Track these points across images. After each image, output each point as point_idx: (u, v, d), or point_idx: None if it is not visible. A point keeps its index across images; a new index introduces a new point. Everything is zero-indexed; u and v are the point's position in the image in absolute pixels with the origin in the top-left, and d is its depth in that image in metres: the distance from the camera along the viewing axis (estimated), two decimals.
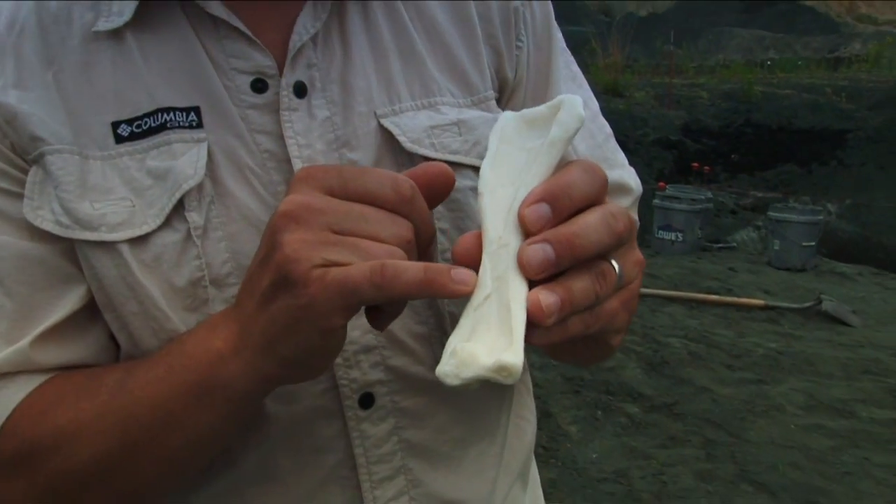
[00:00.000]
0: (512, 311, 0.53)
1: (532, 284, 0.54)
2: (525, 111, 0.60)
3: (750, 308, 5.66)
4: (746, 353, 4.82)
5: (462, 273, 0.53)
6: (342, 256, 0.53)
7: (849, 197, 9.06)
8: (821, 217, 7.01)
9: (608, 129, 0.86)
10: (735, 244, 7.87)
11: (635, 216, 0.85)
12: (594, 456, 3.57)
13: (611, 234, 0.55)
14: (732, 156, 10.57)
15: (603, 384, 4.25)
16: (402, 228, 0.55)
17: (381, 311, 0.59)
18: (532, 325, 0.53)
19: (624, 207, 0.56)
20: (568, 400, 4.09)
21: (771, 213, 6.99)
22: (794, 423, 3.89)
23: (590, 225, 0.54)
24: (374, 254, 0.53)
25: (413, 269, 0.52)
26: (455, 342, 0.53)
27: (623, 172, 0.85)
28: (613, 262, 0.57)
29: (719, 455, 3.59)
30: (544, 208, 0.54)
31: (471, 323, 0.54)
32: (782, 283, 6.40)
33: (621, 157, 0.87)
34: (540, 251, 0.53)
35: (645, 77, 13.53)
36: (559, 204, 0.54)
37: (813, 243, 6.84)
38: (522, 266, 0.53)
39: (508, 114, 0.60)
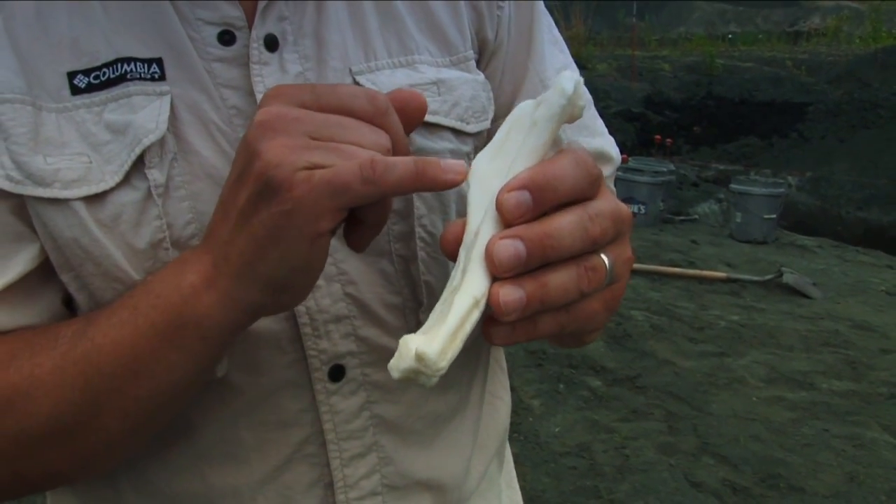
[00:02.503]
0: (455, 300, 0.49)
1: None
2: (541, 97, 0.54)
3: (712, 280, 5.70)
4: (708, 325, 4.84)
5: (452, 163, 0.50)
6: (326, 159, 0.50)
7: (809, 170, 9.16)
8: (782, 189, 7.08)
9: (588, 97, 0.82)
10: (697, 216, 7.92)
11: (612, 186, 0.84)
12: (556, 430, 3.56)
13: (584, 240, 0.50)
14: (694, 128, 10.65)
15: (565, 358, 4.24)
16: (381, 137, 0.52)
17: (361, 227, 0.55)
18: (495, 322, 0.49)
19: (610, 207, 0.52)
20: (530, 374, 4.07)
21: (733, 186, 7.05)
22: (756, 396, 3.92)
23: (563, 227, 0.49)
24: (359, 157, 0.50)
25: (403, 161, 0.49)
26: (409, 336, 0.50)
27: (603, 141, 0.83)
28: (604, 257, 0.52)
29: (681, 428, 3.59)
30: (525, 196, 0.49)
31: (435, 318, 0.50)
32: (744, 255, 6.44)
33: (601, 125, 0.85)
34: (511, 247, 0.48)
35: (607, 49, 13.54)
36: (543, 195, 0.49)
37: (774, 216, 6.90)
38: (489, 260, 0.48)
39: (524, 102, 0.55)
